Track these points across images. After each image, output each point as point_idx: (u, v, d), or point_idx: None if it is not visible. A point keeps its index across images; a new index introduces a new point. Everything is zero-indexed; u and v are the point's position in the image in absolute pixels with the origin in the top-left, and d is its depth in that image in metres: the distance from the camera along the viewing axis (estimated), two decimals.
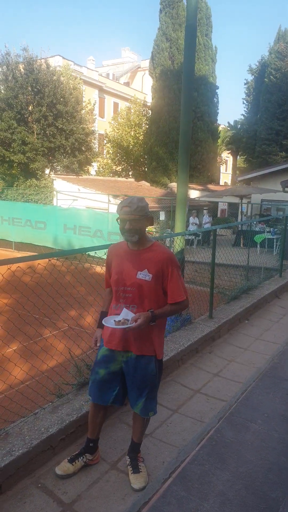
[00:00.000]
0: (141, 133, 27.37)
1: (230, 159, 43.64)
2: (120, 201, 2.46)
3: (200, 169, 24.60)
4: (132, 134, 27.26)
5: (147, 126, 26.77)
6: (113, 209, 15.28)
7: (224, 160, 44.18)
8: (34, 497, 2.34)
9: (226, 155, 42.90)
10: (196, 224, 17.03)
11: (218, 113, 26.17)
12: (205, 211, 20.22)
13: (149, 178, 24.54)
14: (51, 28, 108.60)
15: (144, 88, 39.42)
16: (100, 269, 2.68)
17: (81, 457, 2.57)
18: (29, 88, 18.02)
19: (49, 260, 3.12)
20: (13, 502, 2.30)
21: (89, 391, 2.53)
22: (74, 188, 17.09)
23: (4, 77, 18.18)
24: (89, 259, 7.99)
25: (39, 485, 2.44)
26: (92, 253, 3.40)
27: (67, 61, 25.99)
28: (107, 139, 27.94)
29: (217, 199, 20.43)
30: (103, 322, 2.34)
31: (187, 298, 2.40)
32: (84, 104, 21.26)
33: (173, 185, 21.95)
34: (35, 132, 18.49)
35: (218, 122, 27.24)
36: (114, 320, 2.28)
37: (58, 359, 3.85)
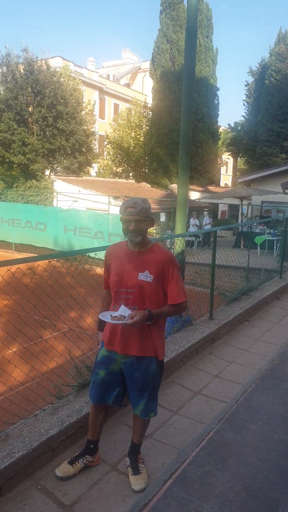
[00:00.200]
0: (142, 135, 27.40)
1: (230, 161, 43.68)
2: (121, 203, 2.45)
3: (200, 170, 24.61)
4: (133, 135, 27.29)
5: (147, 128, 26.79)
6: (114, 210, 15.29)
7: (225, 162, 44.20)
8: (34, 499, 2.34)
9: (227, 157, 42.94)
10: (196, 225, 17.04)
11: (218, 114, 26.21)
12: (205, 213, 20.24)
13: (149, 180, 24.55)
14: (52, 29, 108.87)
15: (144, 90, 39.47)
16: (100, 271, 2.67)
17: (81, 459, 2.57)
18: (29, 89, 18.05)
19: (49, 261, 3.12)
20: (13, 504, 2.30)
21: (90, 392, 2.53)
22: (74, 189, 17.10)
23: (3, 78, 18.21)
24: (89, 261, 7.99)
25: (39, 486, 2.44)
26: (92, 255, 3.40)
27: (67, 62, 26.05)
28: (107, 140, 27.97)
29: (218, 200, 20.43)
30: (99, 316, 2.35)
31: (186, 299, 2.40)
32: (84, 105, 21.30)
33: (174, 186, 21.96)
34: (35, 133, 18.51)
35: (219, 123, 27.27)
36: (111, 315, 2.28)
37: (58, 360, 3.86)
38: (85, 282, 3.93)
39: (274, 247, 12.52)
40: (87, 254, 3.30)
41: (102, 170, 28.03)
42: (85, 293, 4.27)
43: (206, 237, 15.69)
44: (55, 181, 18.21)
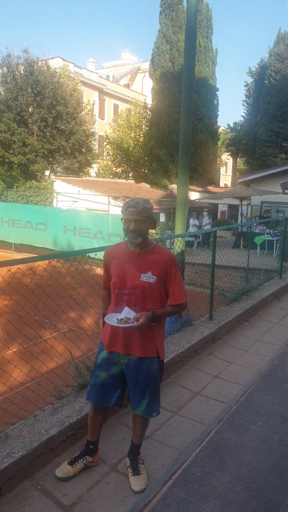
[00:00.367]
0: (141, 135, 27.41)
1: (230, 161, 43.68)
2: (122, 202, 2.44)
3: (200, 171, 24.62)
4: (132, 135, 27.30)
5: (147, 128, 26.80)
6: (113, 210, 15.29)
7: (224, 162, 44.21)
8: (34, 500, 2.34)
9: (226, 157, 42.94)
10: (196, 225, 17.05)
11: (218, 115, 26.20)
12: (205, 213, 20.25)
13: (149, 180, 24.55)
14: (51, 29, 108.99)
15: (144, 90, 39.47)
16: (100, 271, 2.67)
17: (81, 459, 2.56)
18: (29, 90, 18.06)
19: (49, 261, 3.12)
20: (13, 505, 2.30)
21: (88, 395, 2.51)
22: (74, 189, 17.10)
23: (4, 79, 18.22)
24: (89, 261, 7.99)
25: (39, 487, 2.44)
26: (92, 255, 3.40)
27: (67, 63, 26.06)
28: (107, 140, 27.97)
29: (217, 201, 20.43)
30: (105, 319, 2.34)
31: (186, 299, 2.42)
32: (83, 105, 21.31)
33: (173, 186, 21.96)
34: (35, 133, 18.52)
35: (218, 124, 27.27)
36: (117, 318, 2.28)
37: (58, 361, 3.85)
38: (85, 283, 3.93)
39: (274, 247, 12.52)
40: (87, 254, 3.30)
41: (101, 170, 28.04)
42: (85, 293, 4.27)
43: (206, 237, 15.70)
44: (55, 181, 18.22)
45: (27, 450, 2.48)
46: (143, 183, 24.09)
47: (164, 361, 2.59)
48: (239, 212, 18.19)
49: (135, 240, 2.31)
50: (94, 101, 26.20)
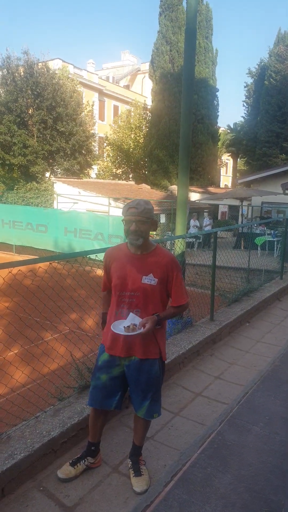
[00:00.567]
0: (142, 136, 27.42)
1: (230, 162, 43.69)
2: (122, 204, 2.45)
3: (200, 171, 24.61)
4: (132, 137, 27.32)
5: (147, 129, 26.81)
6: (114, 212, 15.30)
7: (225, 163, 44.23)
8: (36, 501, 2.34)
9: (227, 158, 42.96)
10: (196, 226, 17.06)
11: (218, 115, 26.19)
12: (205, 214, 20.27)
13: (149, 181, 24.56)
14: (51, 31, 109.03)
15: (144, 91, 39.52)
16: (100, 272, 2.68)
17: (83, 460, 2.57)
18: (29, 92, 18.09)
19: (50, 263, 3.13)
20: (15, 506, 2.30)
21: (90, 397, 2.51)
22: (74, 191, 17.12)
23: (4, 80, 18.26)
24: (89, 262, 7.99)
25: (41, 488, 2.44)
26: (93, 256, 3.41)
27: (67, 64, 26.10)
28: (107, 141, 28.00)
29: (218, 201, 20.44)
30: (112, 328, 2.30)
31: (188, 299, 2.42)
32: (83, 106, 21.34)
33: (174, 187, 21.97)
34: (35, 135, 18.54)
35: (218, 124, 27.25)
36: (124, 327, 2.26)
37: (59, 362, 3.85)
38: (86, 284, 3.93)
39: (275, 248, 12.53)
40: (88, 256, 3.30)
41: (102, 172, 28.05)
42: (85, 294, 4.27)
43: (207, 238, 15.71)
44: (55, 183, 18.23)
45: (29, 451, 2.48)
46: (143, 184, 24.10)
47: (165, 362, 2.60)
48: (240, 212, 18.19)
49: (136, 241, 2.30)
50: (93, 102, 26.23)
